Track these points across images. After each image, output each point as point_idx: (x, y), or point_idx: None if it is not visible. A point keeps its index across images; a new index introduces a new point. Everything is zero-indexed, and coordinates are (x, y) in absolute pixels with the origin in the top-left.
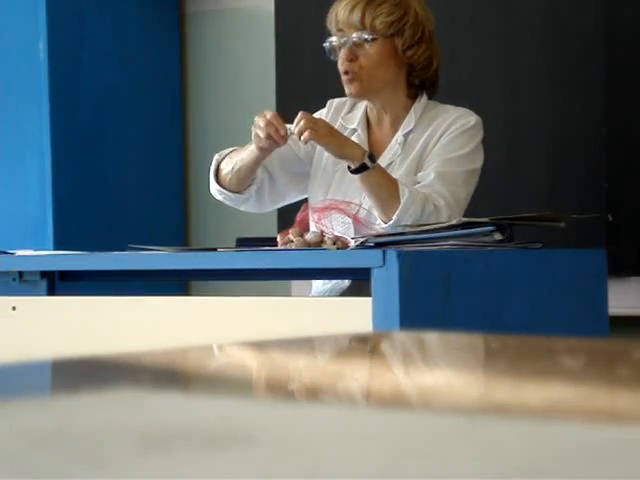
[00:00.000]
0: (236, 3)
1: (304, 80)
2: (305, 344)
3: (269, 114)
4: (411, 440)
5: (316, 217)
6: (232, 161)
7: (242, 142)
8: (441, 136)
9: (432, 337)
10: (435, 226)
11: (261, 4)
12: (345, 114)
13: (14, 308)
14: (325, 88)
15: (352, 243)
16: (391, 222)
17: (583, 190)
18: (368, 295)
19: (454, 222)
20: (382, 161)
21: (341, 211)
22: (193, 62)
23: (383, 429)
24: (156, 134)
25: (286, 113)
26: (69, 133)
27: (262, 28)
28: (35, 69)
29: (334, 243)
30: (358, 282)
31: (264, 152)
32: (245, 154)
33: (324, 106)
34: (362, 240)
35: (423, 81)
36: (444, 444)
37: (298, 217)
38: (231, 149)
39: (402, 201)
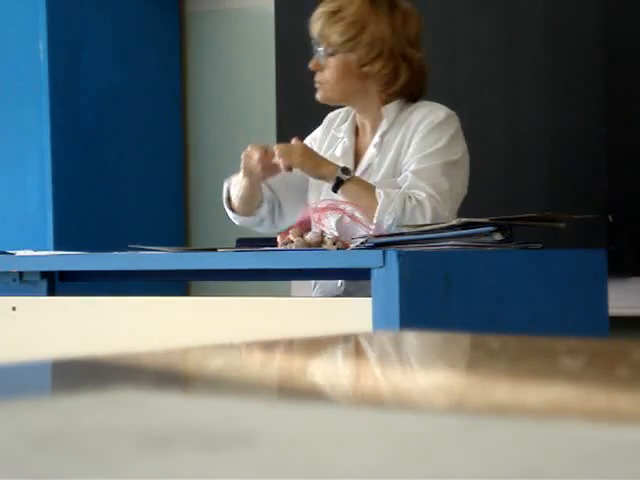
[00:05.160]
0: (236, 3)
1: (304, 80)
2: (305, 344)
3: (248, 148)
4: (411, 440)
5: (316, 217)
6: (236, 188)
7: (242, 142)
8: (413, 134)
9: (432, 337)
10: (435, 226)
11: (261, 4)
12: (339, 124)
13: (14, 308)
14: None
15: (352, 244)
16: (374, 226)
17: (583, 190)
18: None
19: (454, 222)
20: (361, 165)
21: (340, 211)
22: (193, 62)
23: (383, 429)
24: (156, 134)
25: (286, 113)
26: (69, 133)
27: (262, 28)
28: (35, 69)
29: (334, 243)
30: (351, 288)
31: (253, 178)
32: (242, 180)
33: (323, 107)
34: (362, 240)
35: (397, 92)
36: (444, 444)
37: (298, 218)
38: (236, 175)
39: (379, 202)
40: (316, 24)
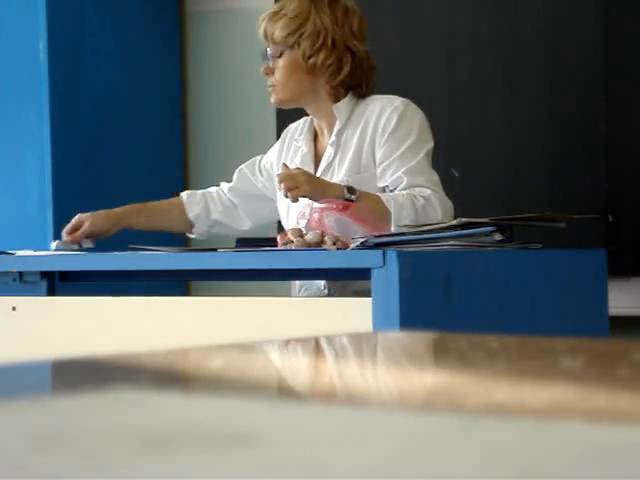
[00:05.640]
0: (236, 3)
1: None
2: (306, 344)
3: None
4: (411, 440)
5: (316, 217)
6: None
7: (242, 142)
8: (376, 128)
9: (432, 337)
10: (435, 226)
11: (261, 4)
12: (298, 135)
13: (14, 308)
14: None
15: (352, 244)
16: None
17: (583, 190)
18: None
19: (454, 222)
20: (321, 166)
21: (334, 210)
22: (193, 62)
23: (383, 429)
24: (156, 134)
25: (286, 113)
26: (69, 133)
27: None
28: (35, 69)
29: (334, 243)
30: (333, 290)
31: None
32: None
33: None
34: (362, 240)
35: (345, 83)
36: (444, 444)
37: (298, 216)
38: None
39: (392, 210)
40: (260, 27)
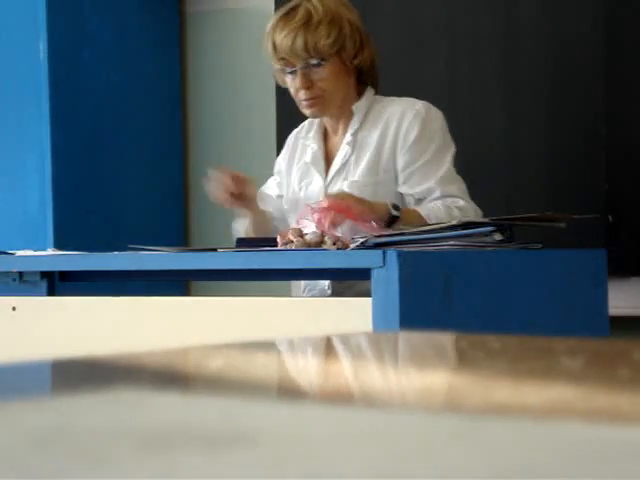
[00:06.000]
0: (236, 3)
1: None
2: (305, 344)
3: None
4: (411, 440)
5: (316, 217)
6: (243, 228)
7: (242, 142)
8: (396, 135)
9: (432, 337)
10: (435, 226)
11: (261, 4)
12: (305, 134)
13: (14, 308)
14: None
15: (352, 244)
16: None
17: (583, 190)
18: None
19: (454, 222)
20: (334, 165)
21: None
22: (193, 62)
23: (383, 429)
24: (156, 134)
25: (286, 113)
26: (69, 133)
27: (262, 28)
28: (35, 69)
29: (334, 243)
30: (339, 289)
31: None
32: (242, 217)
33: None
34: (362, 240)
35: (368, 79)
36: (444, 444)
37: (298, 217)
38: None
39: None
40: (295, 41)
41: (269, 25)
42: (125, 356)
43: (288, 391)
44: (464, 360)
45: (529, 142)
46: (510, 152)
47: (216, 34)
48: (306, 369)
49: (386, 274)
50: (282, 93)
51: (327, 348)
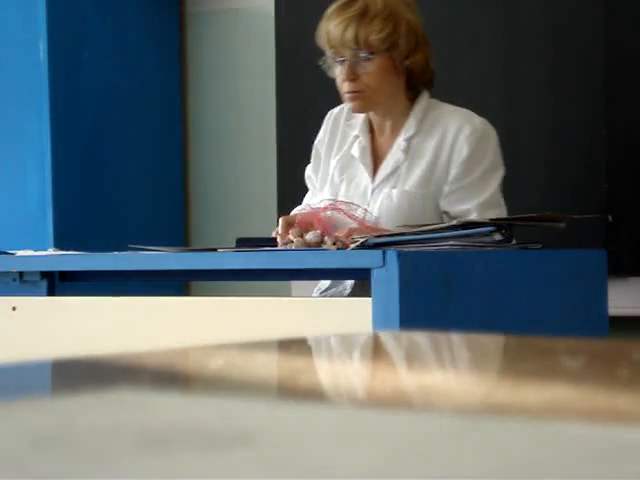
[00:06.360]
0: (236, 3)
1: (304, 80)
2: (305, 344)
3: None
4: (411, 440)
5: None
6: None
7: (242, 142)
8: (452, 149)
9: (432, 337)
10: (435, 226)
11: (261, 4)
12: (346, 120)
13: (14, 308)
14: (325, 88)
15: (352, 244)
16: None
17: (583, 190)
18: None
19: (454, 222)
20: (385, 168)
21: (339, 211)
22: (193, 62)
23: (383, 429)
24: (156, 134)
25: (286, 113)
26: (69, 133)
27: (262, 28)
28: (35, 69)
29: (334, 243)
30: (358, 290)
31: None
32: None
33: (323, 107)
34: (362, 240)
35: (426, 82)
36: (444, 444)
37: (298, 217)
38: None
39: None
40: (346, 31)
41: (326, 12)
42: (125, 356)
43: (288, 391)
44: (464, 360)
45: (529, 142)
46: (510, 152)
47: (216, 34)
48: (306, 369)
49: (386, 274)
50: (282, 93)
51: (327, 348)
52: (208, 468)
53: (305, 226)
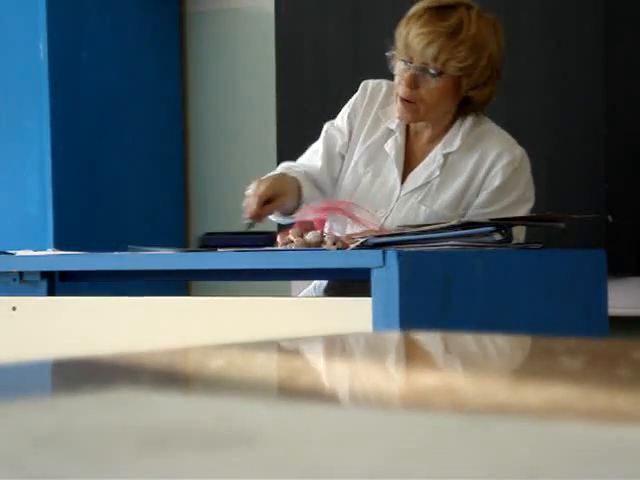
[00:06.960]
0: (236, 3)
1: (304, 80)
2: (305, 344)
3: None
4: (411, 440)
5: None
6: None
7: (242, 142)
8: (487, 174)
9: (432, 337)
10: (435, 226)
11: (261, 4)
12: (381, 106)
13: (14, 308)
14: (325, 88)
15: (352, 244)
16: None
17: (583, 190)
18: (348, 294)
19: (454, 222)
20: (416, 177)
21: (339, 211)
22: (193, 62)
23: (383, 429)
24: (156, 134)
25: (286, 113)
26: (69, 133)
27: (262, 28)
28: (35, 69)
29: (334, 243)
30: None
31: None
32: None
33: (323, 107)
34: (362, 240)
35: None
36: (444, 444)
37: (298, 217)
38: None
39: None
40: (429, 46)
41: (413, 8)
42: (125, 356)
43: (288, 391)
44: (464, 360)
45: (529, 142)
46: None
47: (216, 34)
48: (306, 369)
49: (386, 274)
50: (282, 93)
51: (327, 348)
52: (208, 468)
53: (305, 226)
